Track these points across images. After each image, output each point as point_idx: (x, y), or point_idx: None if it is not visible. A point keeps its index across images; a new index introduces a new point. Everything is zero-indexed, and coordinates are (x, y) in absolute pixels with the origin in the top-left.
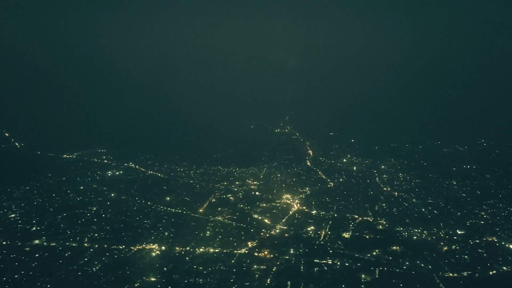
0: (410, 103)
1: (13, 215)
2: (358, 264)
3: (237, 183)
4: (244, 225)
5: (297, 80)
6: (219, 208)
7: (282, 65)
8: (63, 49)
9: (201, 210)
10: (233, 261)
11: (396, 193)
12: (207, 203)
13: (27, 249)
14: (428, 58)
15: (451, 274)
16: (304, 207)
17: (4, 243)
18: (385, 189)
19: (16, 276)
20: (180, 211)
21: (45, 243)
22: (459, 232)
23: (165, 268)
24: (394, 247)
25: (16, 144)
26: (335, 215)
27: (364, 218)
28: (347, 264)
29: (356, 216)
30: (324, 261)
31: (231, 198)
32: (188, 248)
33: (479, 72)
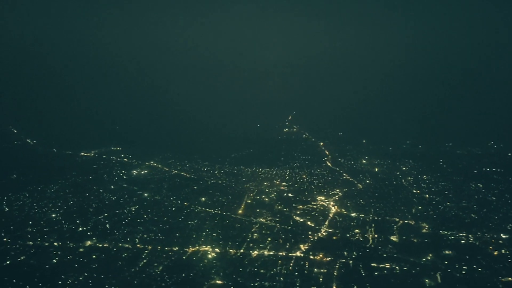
0: (415, 104)
1: (53, 215)
2: (417, 269)
3: (265, 183)
4: (289, 227)
5: (296, 79)
6: (258, 210)
7: (280, 64)
8: (65, 46)
9: (240, 211)
10: (291, 264)
11: (427, 196)
12: (243, 204)
13: (81, 250)
14: (435, 58)
15: (509, 279)
16: (342, 210)
17: (55, 244)
18: (414, 191)
19: (80, 278)
20: (219, 212)
21: (98, 244)
22: (503, 236)
23: (226, 271)
24: (447, 251)
25: (28, 140)
26: (376, 218)
27: (405, 221)
28: (405, 268)
29: (397, 219)
30: (382, 265)
31: (266, 199)
32: (242, 250)
33: (485, 74)
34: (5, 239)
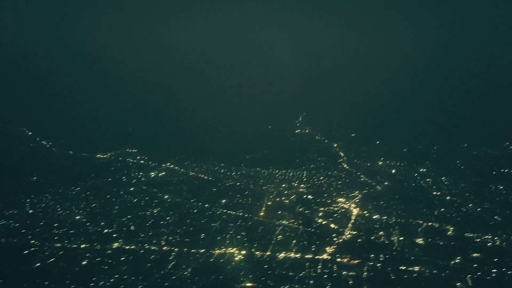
0: (427, 104)
1: (78, 217)
2: (447, 272)
3: (283, 185)
4: (312, 230)
5: (302, 80)
6: (279, 212)
7: (285, 65)
8: (75, 49)
9: (261, 213)
10: (319, 266)
11: (448, 198)
12: (264, 206)
13: (109, 252)
14: (445, 56)
15: None
16: (365, 212)
17: (83, 246)
18: (435, 193)
19: (111, 280)
20: (241, 214)
21: (125, 246)
22: None
23: (255, 274)
24: (475, 254)
25: (44, 143)
26: (399, 220)
27: (429, 223)
28: (435, 271)
29: (420, 222)
30: (410, 268)
31: (286, 201)
32: (268, 252)
33: (498, 73)
34: (32, 241)
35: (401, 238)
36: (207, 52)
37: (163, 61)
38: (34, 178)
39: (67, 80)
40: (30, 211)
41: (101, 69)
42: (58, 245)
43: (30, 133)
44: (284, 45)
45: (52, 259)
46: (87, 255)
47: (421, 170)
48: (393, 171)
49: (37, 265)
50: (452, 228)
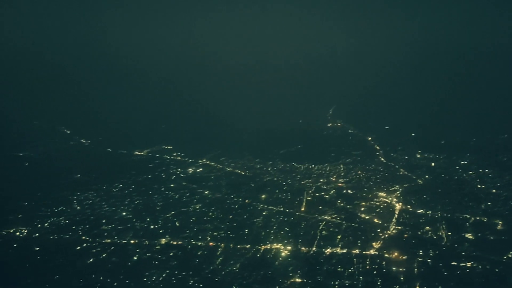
0: (460, 94)
1: (124, 213)
2: (501, 267)
3: (321, 180)
4: (356, 225)
5: (326, 73)
6: (320, 207)
7: (308, 59)
8: (99, 47)
9: (303, 209)
10: (368, 262)
11: (494, 191)
12: (304, 202)
13: (158, 247)
14: (478, 46)
15: None
16: (408, 206)
17: (132, 242)
18: (479, 186)
19: (164, 275)
20: (282, 209)
21: (172, 242)
22: None
23: (304, 269)
24: None
25: (83, 141)
26: (445, 215)
27: (477, 218)
28: (488, 267)
29: (468, 216)
30: (462, 264)
31: (326, 196)
32: (314, 248)
33: None
34: (83, 237)
35: (449, 233)
36: (223, 51)
37: (183, 59)
38: (78, 175)
39: (90, 79)
40: (78, 207)
41: (123, 69)
42: (108, 241)
43: (68, 132)
44: (302, 40)
45: (104, 255)
46: (137, 250)
47: (462, 162)
48: (433, 164)
49: (90, 260)
50: (501, 222)
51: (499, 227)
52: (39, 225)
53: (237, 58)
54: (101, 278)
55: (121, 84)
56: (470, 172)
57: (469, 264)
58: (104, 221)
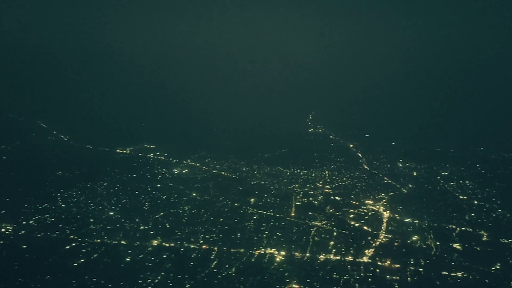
0: (439, 104)
1: (111, 213)
2: (490, 278)
3: (308, 185)
4: (347, 232)
5: (310, 78)
6: (310, 213)
7: (290, 62)
8: (82, 45)
9: (292, 214)
10: (362, 269)
11: (476, 202)
12: (294, 207)
13: (150, 249)
14: (458, 56)
15: None
16: (396, 215)
17: (123, 242)
18: (461, 197)
19: (159, 277)
20: (272, 213)
21: (164, 244)
22: None
23: (300, 275)
24: None
25: (61, 136)
26: (432, 224)
27: (462, 228)
28: (478, 277)
29: (453, 226)
30: (453, 274)
31: (314, 202)
32: (308, 254)
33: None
34: (71, 236)
35: (438, 243)
36: (213, 52)
37: (174, 58)
38: (60, 172)
39: (77, 75)
40: (63, 205)
41: (109, 66)
42: (98, 241)
43: (45, 126)
44: (291, 44)
45: (95, 255)
46: (129, 251)
47: (442, 173)
48: (415, 173)
49: (81, 261)
50: (486, 233)
51: (485, 238)
52: (24, 222)
53: (226, 59)
54: (95, 279)
55: (104, 81)
56: (452, 183)
57: (459, 274)
58: (91, 220)
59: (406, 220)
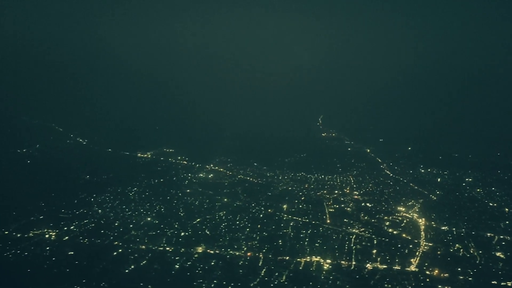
0: (452, 110)
1: (149, 219)
2: None
3: (336, 191)
4: (387, 240)
5: (318, 82)
6: (345, 220)
7: (299, 67)
8: (91, 48)
9: (328, 221)
10: (412, 278)
11: (507, 209)
12: (328, 214)
13: (196, 256)
14: (475, 63)
15: None
16: (432, 223)
17: (168, 249)
18: (491, 204)
19: (212, 285)
20: (307, 220)
21: (209, 251)
22: None
23: (352, 283)
24: None
25: (80, 140)
26: (470, 232)
27: (501, 236)
28: None
29: (491, 234)
30: (503, 283)
31: (347, 209)
32: (354, 262)
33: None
34: (115, 242)
35: (480, 252)
36: (224, 54)
37: (186, 62)
38: (88, 176)
39: (84, 77)
40: (99, 210)
41: (122, 70)
42: (143, 247)
43: (61, 129)
44: (296, 47)
45: (144, 262)
46: (176, 258)
47: (466, 179)
48: (439, 179)
49: (132, 267)
50: None
51: None
52: (65, 228)
53: (238, 62)
54: (149, 286)
55: (118, 85)
56: (478, 190)
57: (509, 284)
58: (131, 226)
59: (443, 227)
